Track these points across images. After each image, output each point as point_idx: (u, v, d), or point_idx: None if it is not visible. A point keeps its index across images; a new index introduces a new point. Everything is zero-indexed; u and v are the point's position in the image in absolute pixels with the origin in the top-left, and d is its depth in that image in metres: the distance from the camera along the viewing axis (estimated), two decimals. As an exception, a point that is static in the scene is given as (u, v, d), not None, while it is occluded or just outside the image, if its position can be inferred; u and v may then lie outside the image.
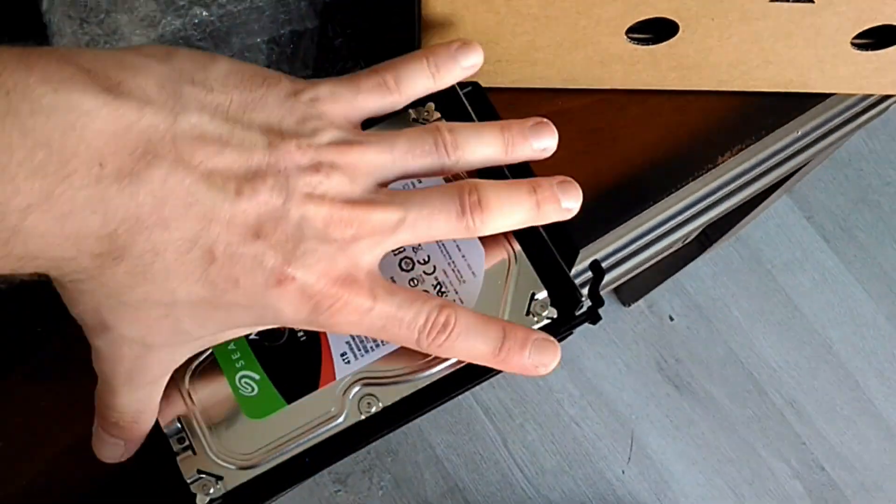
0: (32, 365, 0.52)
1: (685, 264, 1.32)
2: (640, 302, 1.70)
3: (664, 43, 0.52)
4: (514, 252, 0.49)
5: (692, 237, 1.12)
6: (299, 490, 1.56)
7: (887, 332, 1.73)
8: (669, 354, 1.70)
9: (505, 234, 0.49)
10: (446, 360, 0.47)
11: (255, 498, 0.46)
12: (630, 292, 1.67)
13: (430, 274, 0.49)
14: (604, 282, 0.58)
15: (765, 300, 1.74)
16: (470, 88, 0.52)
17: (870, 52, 0.54)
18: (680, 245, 1.10)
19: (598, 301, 0.49)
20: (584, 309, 0.49)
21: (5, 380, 0.42)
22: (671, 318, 1.71)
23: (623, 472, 1.65)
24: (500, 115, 0.52)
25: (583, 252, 0.54)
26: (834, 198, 1.80)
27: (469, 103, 0.51)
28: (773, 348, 1.72)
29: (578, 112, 0.57)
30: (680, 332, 1.71)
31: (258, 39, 0.55)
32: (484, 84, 0.53)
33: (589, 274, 0.53)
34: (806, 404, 1.69)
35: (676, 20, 0.50)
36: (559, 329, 0.49)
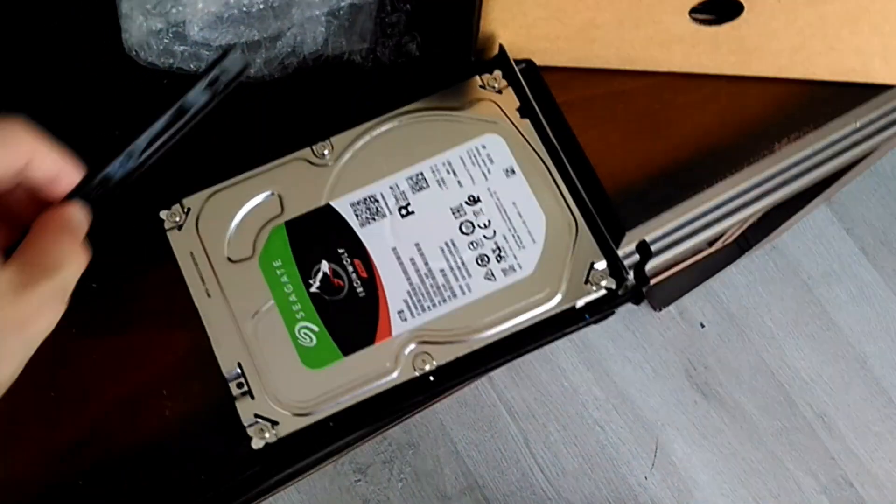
0: (84, 319, 0.53)
1: (719, 269, 1.31)
2: (671, 307, 1.68)
3: (727, 24, 0.51)
4: (576, 221, 0.50)
5: (731, 240, 1.11)
6: (319, 478, 1.56)
7: (923, 349, 1.71)
8: (699, 361, 1.68)
9: (567, 204, 0.49)
10: (503, 324, 0.49)
11: (308, 445, 0.49)
12: (661, 297, 1.65)
13: (489, 238, 0.50)
14: (653, 265, 0.58)
15: (799, 311, 1.72)
16: (524, 66, 0.53)
17: (937, 44, 0.53)
18: (720, 246, 1.09)
19: (643, 280, 0.49)
20: (629, 287, 0.49)
21: (57, 333, 0.43)
22: (702, 326, 1.70)
23: (646, 478, 1.64)
24: (554, 94, 0.52)
25: (632, 234, 0.54)
26: (875, 210, 1.77)
27: (524, 79, 0.52)
28: (805, 360, 1.70)
29: (634, 94, 0.56)
30: (710, 339, 1.70)
31: (317, 12, 0.56)
32: (540, 62, 0.53)
33: (635, 257, 0.53)
34: (837, 419, 1.67)
35: (742, 0, 0.49)
36: (601, 306, 0.49)
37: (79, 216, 0.42)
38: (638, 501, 1.63)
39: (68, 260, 0.42)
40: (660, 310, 1.68)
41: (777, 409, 1.67)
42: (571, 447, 1.65)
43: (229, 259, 0.51)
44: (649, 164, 0.55)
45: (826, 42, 0.52)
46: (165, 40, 0.55)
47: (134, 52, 0.56)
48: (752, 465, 1.64)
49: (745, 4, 0.50)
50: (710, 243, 1.08)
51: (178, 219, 0.51)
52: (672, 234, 0.57)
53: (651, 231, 0.56)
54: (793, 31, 0.52)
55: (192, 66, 0.56)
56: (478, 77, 0.53)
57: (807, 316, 1.71)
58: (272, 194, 0.52)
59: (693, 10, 0.51)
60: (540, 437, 1.65)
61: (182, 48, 0.56)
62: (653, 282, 1.08)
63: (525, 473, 1.63)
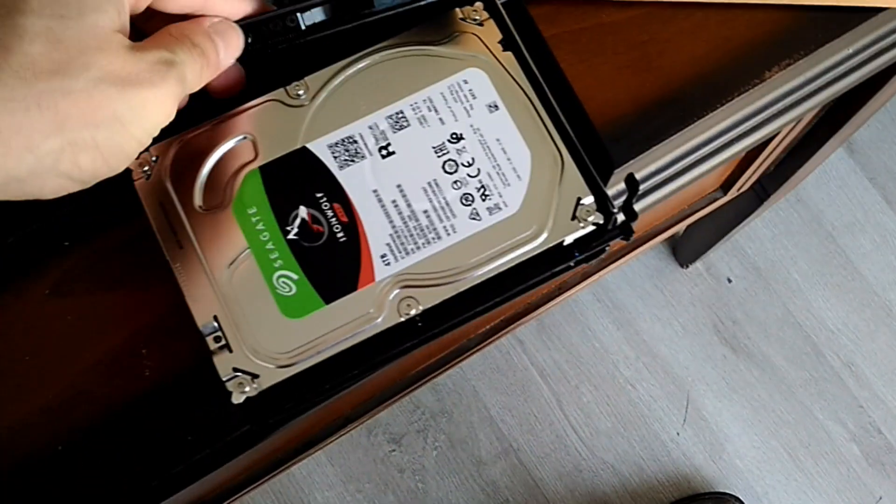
0: (56, 279, 0.52)
1: (741, 221, 1.30)
2: (698, 263, 1.68)
3: (712, -49, 0.51)
4: (561, 155, 0.49)
5: (746, 187, 1.10)
6: (353, 449, 1.58)
7: (948, 295, 1.70)
8: (727, 316, 1.68)
9: (552, 138, 0.49)
10: (489, 264, 0.48)
11: (291, 397, 0.47)
12: (687, 253, 1.65)
13: (474, 176, 0.49)
14: (648, 203, 0.58)
15: (824, 262, 1.71)
16: None
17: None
18: (734, 195, 1.09)
19: (631, 215, 0.48)
20: (618, 223, 0.48)
21: (31, 293, 0.43)
22: (729, 280, 1.69)
23: (678, 434, 1.64)
24: (542, 28, 0.52)
25: (623, 170, 0.53)
26: (897, 159, 1.76)
27: (507, 13, 0.51)
28: (831, 310, 1.69)
29: (623, 25, 0.56)
30: (738, 293, 1.69)
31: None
32: (523, -9, 0.52)
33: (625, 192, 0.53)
34: (864, 367, 1.67)
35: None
36: (591, 242, 0.48)
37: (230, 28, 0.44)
38: (671, 457, 1.63)
39: (192, 55, 0.42)
40: (686, 266, 1.68)
41: (805, 359, 1.67)
42: (604, 407, 1.65)
43: (201, 208, 0.49)
44: (640, 98, 0.54)
45: (811, -33, 0.53)
46: None
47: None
48: (781, 417, 1.64)
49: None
50: (725, 190, 1.08)
51: (146, 168, 0.49)
52: (666, 169, 0.56)
53: (644, 167, 0.55)
54: (777, -44, 0.52)
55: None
56: (457, 9, 0.52)
57: (832, 266, 1.71)
58: (245, 138, 0.50)
59: (678, -60, 0.51)
60: (573, 399, 1.65)
61: None
62: (671, 231, 1.08)
63: (559, 435, 1.64)
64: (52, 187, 0.38)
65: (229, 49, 0.45)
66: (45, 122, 0.35)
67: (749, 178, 1.02)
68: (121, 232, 0.53)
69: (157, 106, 0.40)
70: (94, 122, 0.37)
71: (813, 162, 1.04)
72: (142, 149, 0.41)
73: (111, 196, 0.46)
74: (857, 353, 1.67)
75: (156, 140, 0.46)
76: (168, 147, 0.50)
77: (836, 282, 1.70)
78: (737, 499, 1.55)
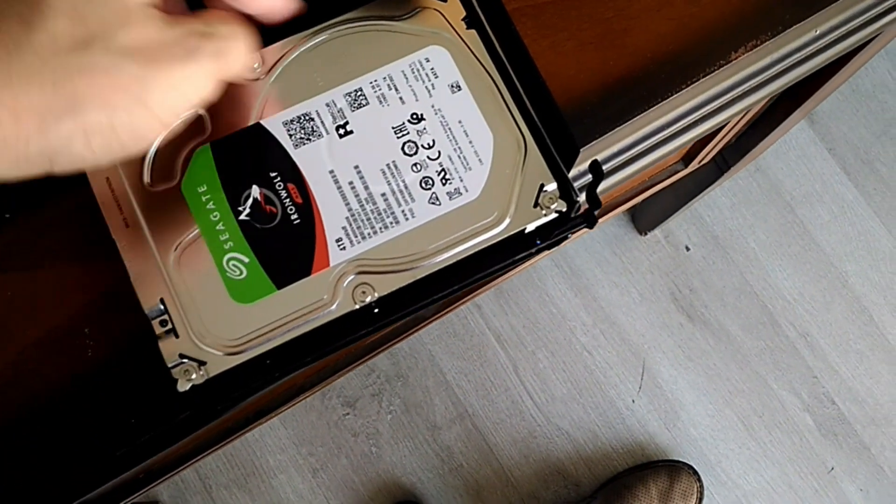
0: None
1: (701, 191, 1.30)
2: (657, 231, 1.68)
3: (679, -73, 0.50)
4: (525, 141, 0.47)
5: (708, 159, 1.09)
6: (306, 412, 1.57)
7: (905, 266, 1.72)
8: (684, 284, 1.68)
9: (516, 122, 0.47)
10: (449, 251, 0.46)
11: (239, 386, 0.45)
12: (646, 221, 1.65)
13: (434, 159, 0.47)
14: (610, 184, 0.56)
15: (782, 232, 1.72)
16: None
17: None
18: (695, 167, 1.08)
19: (595, 203, 0.47)
20: (581, 211, 0.47)
21: None
22: (687, 248, 1.70)
23: (633, 402, 1.65)
24: (503, 1, 0.50)
25: (587, 151, 0.52)
26: (856, 130, 1.76)
27: None
28: (788, 280, 1.70)
29: (587, 1, 0.54)
30: (695, 262, 1.70)
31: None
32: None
33: (588, 177, 0.52)
34: (819, 338, 1.68)
35: None
36: (553, 230, 0.47)
37: None
38: (626, 424, 1.64)
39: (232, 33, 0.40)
40: (645, 234, 1.68)
41: (761, 329, 1.68)
42: (560, 373, 1.65)
43: (149, 185, 0.46)
44: (604, 76, 0.53)
45: (781, -55, 0.51)
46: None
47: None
48: (736, 386, 1.65)
49: None
50: (686, 163, 1.07)
51: None
52: (629, 150, 0.55)
53: (607, 148, 0.54)
54: (746, -65, 0.50)
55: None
56: None
57: (789, 236, 1.71)
58: (196, 113, 0.47)
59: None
60: (529, 364, 1.65)
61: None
62: (631, 203, 1.07)
63: (515, 401, 1.64)
64: (63, 165, 0.37)
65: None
66: (59, 102, 0.34)
67: (711, 150, 1.02)
68: (65, 204, 0.51)
69: (187, 83, 0.38)
70: (112, 103, 0.35)
71: (775, 135, 1.03)
72: (166, 130, 0.39)
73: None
74: (812, 324, 1.68)
75: None
76: None
77: (794, 252, 1.71)
78: (690, 467, 1.56)
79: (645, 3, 0.54)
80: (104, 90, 0.35)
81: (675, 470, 1.55)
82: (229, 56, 0.40)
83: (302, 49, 0.48)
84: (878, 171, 1.75)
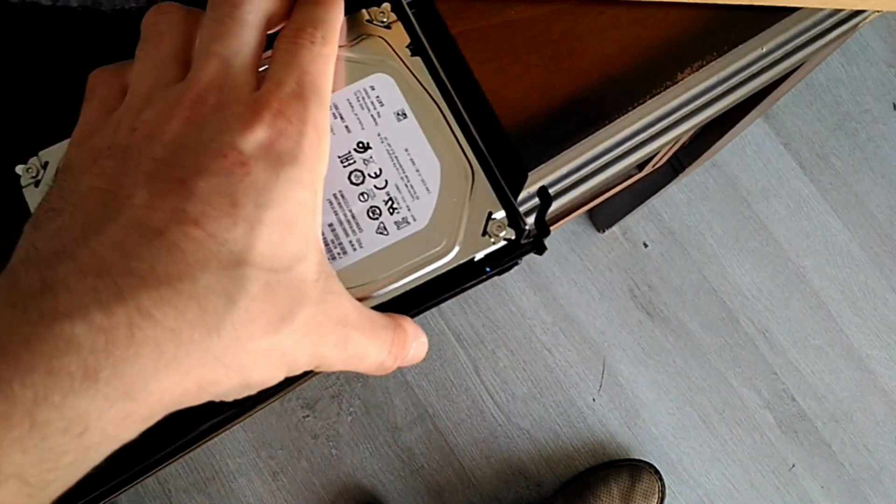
0: None
1: (657, 191, 1.30)
2: (615, 228, 1.68)
3: (622, -51, 0.49)
4: (472, 168, 0.46)
5: (662, 162, 1.09)
6: (266, 414, 1.55)
7: (861, 261, 1.73)
8: (643, 281, 1.69)
9: (462, 150, 0.46)
10: (397, 281, 0.45)
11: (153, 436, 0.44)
12: (604, 218, 1.65)
13: (381, 188, 0.46)
14: (558, 206, 0.56)
15: (739, 227, 1.72)
16: None
17: (840, -36, 0.51)
18: (650, 170, 1.08)
19: (543, 230, 0.46)
20: (530, 238, 0.46)
21: None
22: (645, 245, 1.70)
23: (594, 400, 1.65)
24: (448, 24, 0.49)
25: (534, 174, 0.51)
26: (811, 124, 1.77)
27: (413, 12, 0.49)
28: (746, 276, 1.70)
29: (532, 22, 0.53)
30: (654, 258, 1.70)
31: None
32: (429, -10, 0.50)
33: (536, 201, 0.51)
34: (778, 334, 1.69)
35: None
36: (502, 257, 0.46)
37: None
38: (587, 423, 1.64)
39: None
40: (603, 231, 1.68)
41: (720, 325, 1.68)
42: (520, 372, 1.65)
43: None
44: (550, 99, 0.52)
45: (725, -34, 0.51)
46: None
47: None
48: (696, 383, 1.66)
49: (638, -70, 0.48)
50: (640, 168, 1.07)
51: (35, 174, 0.45)
52: (577, 171, 0.54)
53: (555, 170, 0.53)
54: (690, -44, 0.50)
55: (74, 2, 0.52)
56: (364, 11, 0.48)
57: (747, 232, 1.72)
58: None
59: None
60: (489, 364, 1.65)
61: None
62: (587, 207, 1.07)
63: (475, 400, 1.64)
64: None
65: None
66: (232, 380, 0.33)
67: (665, 155, 1.01)
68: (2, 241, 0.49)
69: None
70: (272, 379, 0.35)
71: (729, 136, 1.03)
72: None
73: None
74: (771, 320, 1.69)
75: (48, 143, 0.44)
76: (58, 152, 0.46)
77: (751, 247, 1.72)
78: (651, 466, 1.57)
79: (590, 25, 0.53)
80: (273, 371, 0.35)
81: (636, 469, 1.56)
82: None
83: None
84: (834, 165, 1.76)
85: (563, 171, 0.54)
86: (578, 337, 1.66)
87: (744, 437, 1.65)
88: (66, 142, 0.46)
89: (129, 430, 0.31)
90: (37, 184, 0.45)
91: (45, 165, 0.46)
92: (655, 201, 1.67)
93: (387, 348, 0.40)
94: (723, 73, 0.55)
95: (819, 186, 1.74)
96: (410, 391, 1.63)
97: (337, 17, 0.40)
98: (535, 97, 0.52)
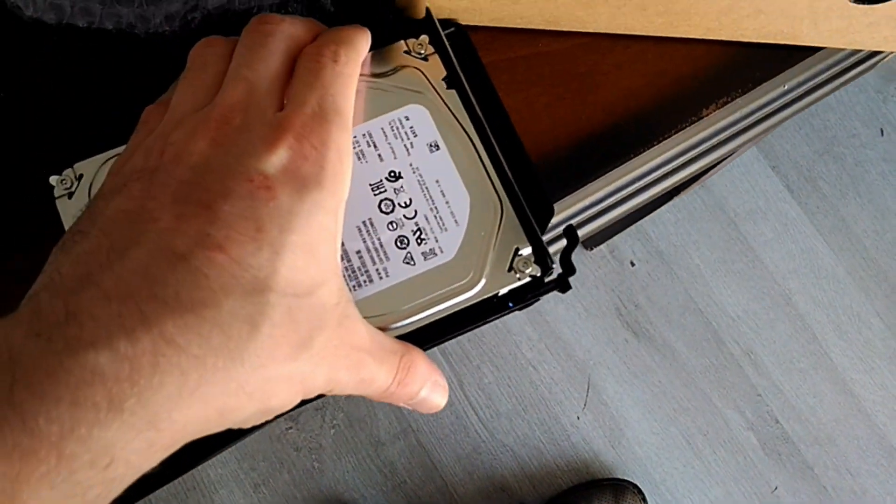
0: None
1: (649, 212, 1.30)
2: (602, 246, 1.68)
3: (653, -14, 0.49)
4: (502, 203, 0.46)
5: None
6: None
7: (846, 285, 1.74)
8: (629, 300, 1.69)
9: (493, 184, 0.46)
10: (421, 312, 0.45)
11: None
12: (593, 237, 1.65)
13: (410, 218, 0.46)
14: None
15: (726, 249, 1.73)
16: (452, 30, 0.49)
17: (865, 6, 0.52)
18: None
19: (569, 269, 0.46)
20: (554, 276, 0.46)
21: None
22: (632, 264, 1.70)
23: (578, 418, 1.65)
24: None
25: (557, 206, 0.52)
26: (799, 148, 1.78)
27: (451, 45, 0.49)
28: (732, 297, 1.71)
29: (559, 55, 0.54)
30: (640, 277, 1.70)
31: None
32: (461, 22, 0.50)
33: (556, 230, 0.51)
34: (763, 355, 1.70)
35: (668, -37, 0.48)
36: (526, 294, 0.46)
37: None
38: (571, 441, 1.64)
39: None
40: (591, 249, 1.69)
41: (705, 346, 1.69)
42: (505, 388, 1.65)
43: None
44: (575, 131, 0.52)
45: (754, 5, 0.51)
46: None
47: (15, 6, 0.52)
48: (681, 403, 1.66)
49: (671, -32, 0.48)
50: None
51: (69, 185, 0.45)
52: (596, 205, 0.55)
53: (576, 202, 0.54)
54: (720, -5, 0.50)
55: (82, 21, 0.52)
56: (403, 42, 0.48)
57: (733, 253, 1.73)
58: None
59: (618, -28, 0.49)
60: (474, 380, 1.64)
61: (71, 1, 0.52)
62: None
63: (459, 416, 1.63)
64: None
65: None
66: (253, 406, 0.33)
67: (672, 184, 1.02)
68: (34, 252, 0.48)
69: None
70: (289, 403, 0.35)
71: (724, 163, 1.04)
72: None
73: (26, 211, 0.44)
74: (756, 342, 1.70)
75: (84, 155, 0.44)
76: (93, 165, 0.46)
77: (738, 269, 1.72)
78: (634, 486, 1.57)
79: (617, 59, 0.54)
80: (291, 396, 0.34)
81: (619, 489, 1.56)
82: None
83: None
84: (821, 188, 1.77)
85: (586, 202, 0.54)
86: (564, 354, 1.66)
87: (727, 459, 1.65)
88: (99, 156, 0.46)
89: (150, 459, 0.30)
90: (70, 195, 0.45)
91: (79, 178, 0.46)
92: (644, 220, 1.67)
93: (393, 374, 0.39)
94: (746, 110, 0.56)
95: (806, 210, 1.76)
96: (394, 405, 1.62)
97: (360, 40, 0.40)
98: (561, 129, 0.52)
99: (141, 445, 0.29)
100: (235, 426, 0.33)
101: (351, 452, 1.61)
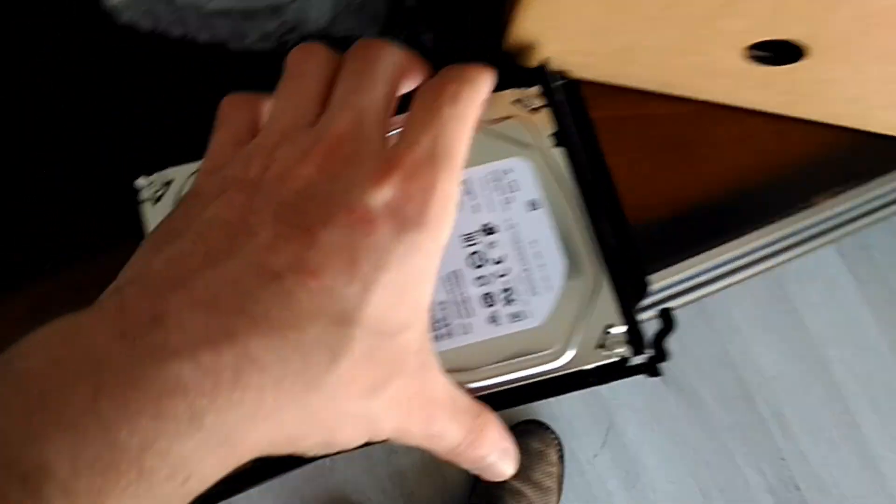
0: (36, 302, 0.47)
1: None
2: (641, 289, 1.66)
3: (784, 66, 0.47)
4: (598, 274, 0.43)
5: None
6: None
7: (888, 359, 1.70)
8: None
9: (591, 253, 0.44)
10: (498, 376, 0.42)
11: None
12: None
13: (500, 277, 0.43)
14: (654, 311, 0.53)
15: (769, 307, 1.70)
16: (564, 83, 0.47)
17: None
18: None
19: (661, 355, 0.43)
20: (643, 357, 0.44)
21: (8, 314, 0.38)
22: (672, 309, 1.68)
23: (595, 456, 1.63)
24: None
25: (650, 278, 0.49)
26: (857, 214, 1.76)
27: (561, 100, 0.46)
28: (769, 357, 1.68)
29: (668, 120, 0.51)
30: (677, 324, 1.67)
31: (326, -11, 0.50)
32: (571, 76, 0.48)
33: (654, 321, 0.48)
34: (792, 419, 1.67)
35: (806, 46, 0.45)
36: (611, 374, 0.43)
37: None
38: (585, 478, 1.62)
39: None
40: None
41: (735, 402, 1.66)
42: (525, 416, 1.63)
43: None
44: (677, 202, 0.50)
45: (889, 98, 0.48)
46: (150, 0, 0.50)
47: (114, 9, 0.50)
48: (702, 456, 1.64)
49: (808, 51, 0.45)
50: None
51: (156, 190, 0.44)
52: (687, 280, 0.52)
53: (669, 276, 0.51)
54: (853, 84, 0.47)
55: (176, 31, 0.51)
56: (512, 91, 0.46)
57: (776, 312, 1.70)
58: None
59: (749, 47, 0.46)
60: (494, 402, 1.62)
61: (167, 10, 0.50)
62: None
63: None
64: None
65: None
66: (320, 436, 0.32)
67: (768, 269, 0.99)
68: (111, 255, 0.47)
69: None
70: (356, 441, 0.34)
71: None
72: None
73: (107, 211, 0.44)
74: (787, 404, 1.67)
75: (176, 161, 0.44)
76: (184, 173, 0.45)
77: (778, 328, 1.70)
78: (646, 533, 1.55)
79: (729, 131, 0.51)
80: (357, 434, 0.33)
81: (630, 534, 1.54)
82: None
83: None
84: (874, 257, 1.74)
85: (678, 277, 0.52)
86: (588, 391, 1.63)
87: (742, 519, 1.63)
88: (191, 165, 0.45)
89: (218, 476, 0.30)
90: (156, 201, 0.44)
91: (168, 183, 0.45)
92: (687, 266, 1.65)
93: (463, 433, 0.37)
94: (858, 201, 0.53)
95: (856, 277, 1.72)
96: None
97: (484, 81, 0.38)
98: (661, 199, 0.50)
99: (215, 461, 0.29)
100: (298, 453, 0.33)
101: (364, 455, 1.59)
